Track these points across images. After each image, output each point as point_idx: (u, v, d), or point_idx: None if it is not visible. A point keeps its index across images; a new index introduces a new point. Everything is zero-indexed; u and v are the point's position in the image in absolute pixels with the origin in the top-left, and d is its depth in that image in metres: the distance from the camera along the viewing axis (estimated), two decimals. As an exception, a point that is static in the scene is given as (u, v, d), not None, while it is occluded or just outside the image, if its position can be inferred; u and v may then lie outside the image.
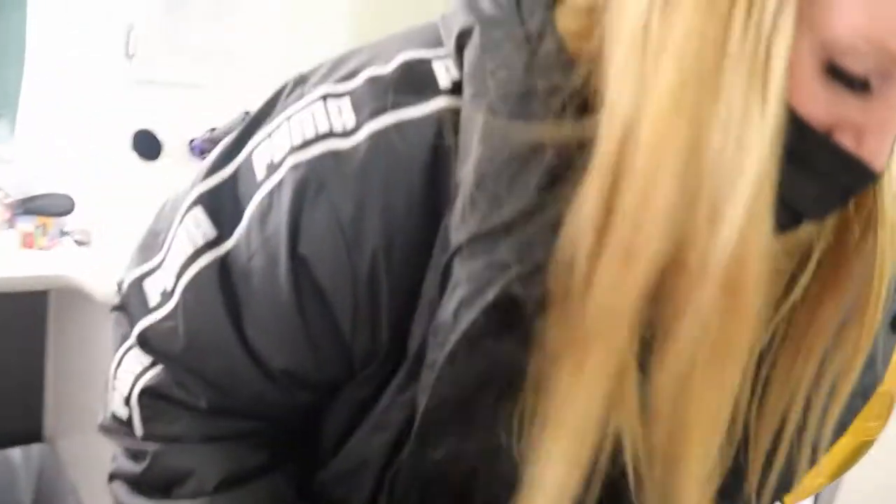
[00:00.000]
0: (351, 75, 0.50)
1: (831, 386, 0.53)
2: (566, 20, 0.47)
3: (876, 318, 0.51)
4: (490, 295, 0.45)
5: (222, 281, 0.51)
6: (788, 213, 0.45)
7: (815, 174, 0.44)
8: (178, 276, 0.53)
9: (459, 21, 0.49)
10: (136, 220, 1.92)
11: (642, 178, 0.41)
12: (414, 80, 0.48)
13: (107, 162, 1.77)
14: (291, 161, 0.49)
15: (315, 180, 0.48)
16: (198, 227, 0.52)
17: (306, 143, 0.48)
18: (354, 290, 0.49)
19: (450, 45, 0.49)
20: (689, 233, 0.41)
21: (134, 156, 1.75)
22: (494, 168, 0.44)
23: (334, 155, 0.48)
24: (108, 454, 0.60)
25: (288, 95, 0.53)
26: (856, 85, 0.42)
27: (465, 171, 0.45)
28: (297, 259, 0.49)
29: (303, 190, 0.48)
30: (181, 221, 0.53)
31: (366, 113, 0.48)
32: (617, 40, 0.43)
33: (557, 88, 0.45)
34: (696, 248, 0.41)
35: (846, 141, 0.44)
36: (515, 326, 0.46)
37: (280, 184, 0.49)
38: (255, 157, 0.51)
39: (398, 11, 2.54)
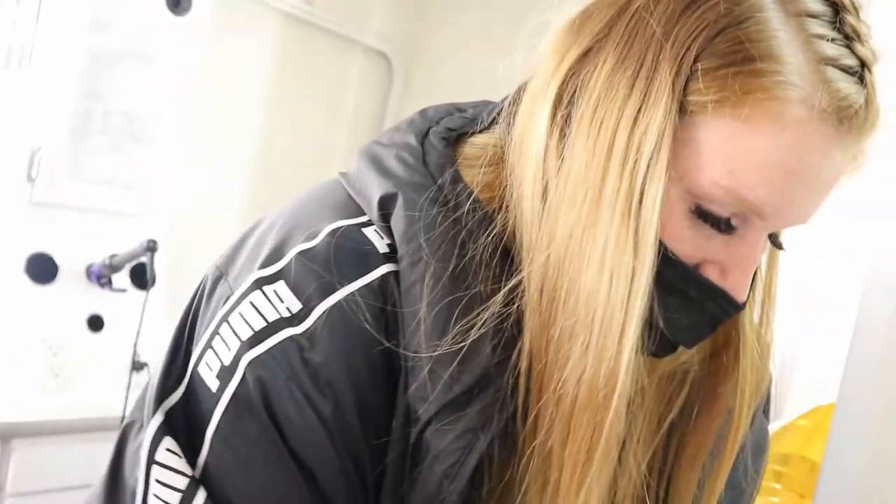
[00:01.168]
0: (276, 255, 0.50)
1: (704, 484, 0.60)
2: (472, 174, 0.53)
3: (740, 433, 0.58)
4: (473, 461, 0.47)
5: None
6: (665, 341, 0.51)
7: (686, 305, 0.50)
8: None
9: (376, 186, 0.52)
10: (28, 346, 1.85)
11: (562, 321, 0.48)
12: (353, 252, 0.50)
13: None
14: (247, 358, 0.47)
15: (281, 371, 0.47)
16: (170, 470, 0.48)
17: (259, 337, 0.48)
18: (346, 476, 0.49)
19: (373, 212, 0.51)
20: (572, 359, 0.47)
21: (27, 279, 1.71)
22: (449, 336, 0.48)
23: (293, 341, 0.47)
24: None
25: (209, 296, 0.52)
26: (720, 226, 0.49)
27: (418, 339, 0.48)
28: (293, 456, 0.47)
29: (270, 384, 0.47)
30: (147, 475, 0.48)
31: (311, 293, 0.48)
32: (524, 196, 0.50)
33: (483, 244, 0.50)
34: (575, 370, 0.47)
35: (712, 275, 0.50)
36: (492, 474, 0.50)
37: (242, 384, 0.47)
38: (201, 371, 0.49)
39: (297, 159, 2.63)
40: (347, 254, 0.50)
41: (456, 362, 0.47)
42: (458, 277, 0.49)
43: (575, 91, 0.50)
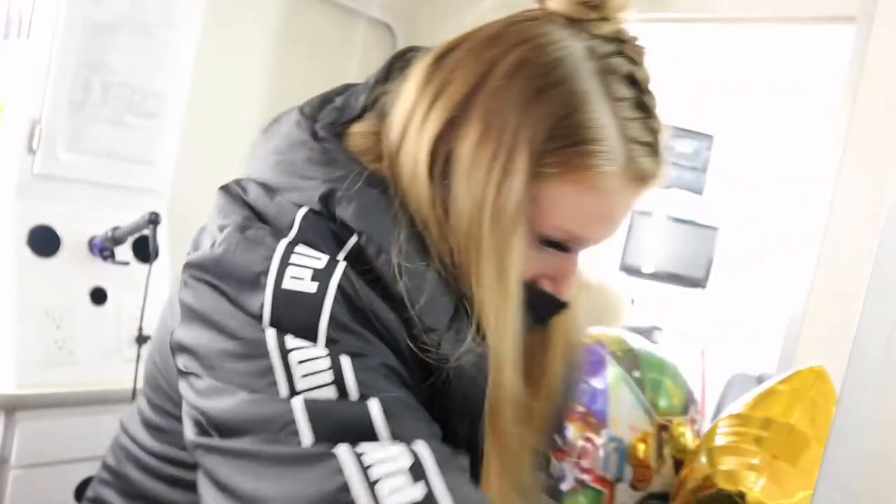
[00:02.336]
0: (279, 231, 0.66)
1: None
2: (368, 164, 0.70)
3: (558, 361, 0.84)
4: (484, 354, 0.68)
5: None
6: (533, 320, 0.74)
7: (537, 303, 0.73)
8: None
9: (309, 188, 0.68)
10: (32, 319, 1.84)
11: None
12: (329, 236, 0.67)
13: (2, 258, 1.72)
14: (334, 265, 0.63)
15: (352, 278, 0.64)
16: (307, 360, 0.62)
17: (329, 266, 0.64)
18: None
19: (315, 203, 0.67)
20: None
21: (29, 252, 1.70)
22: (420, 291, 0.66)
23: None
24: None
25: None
26: (560, 248, 0.72)
27: (400, 288, 0.65)
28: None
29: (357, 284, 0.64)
30: (287, 367, 0.61)
31: (330, 255, 0.65)
32: (425, 216, 0.69)
33: (406, 220, 0.68)
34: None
35: (546, 286, 0.74)
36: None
37: (343, 276, 0.63)
38: (288, 285, 0.62)
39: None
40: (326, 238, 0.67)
41: (439, 296, 0.67)
42: (409, 241, 0.67)
43: (447, 155, 0.68)
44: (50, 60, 1.72)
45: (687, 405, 1.35)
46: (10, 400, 1.61)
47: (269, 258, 0.63)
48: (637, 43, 0.71)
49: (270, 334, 0.60)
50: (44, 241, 1.73)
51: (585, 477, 1.30)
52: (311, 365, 0.59)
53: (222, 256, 0.65)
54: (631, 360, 1.46)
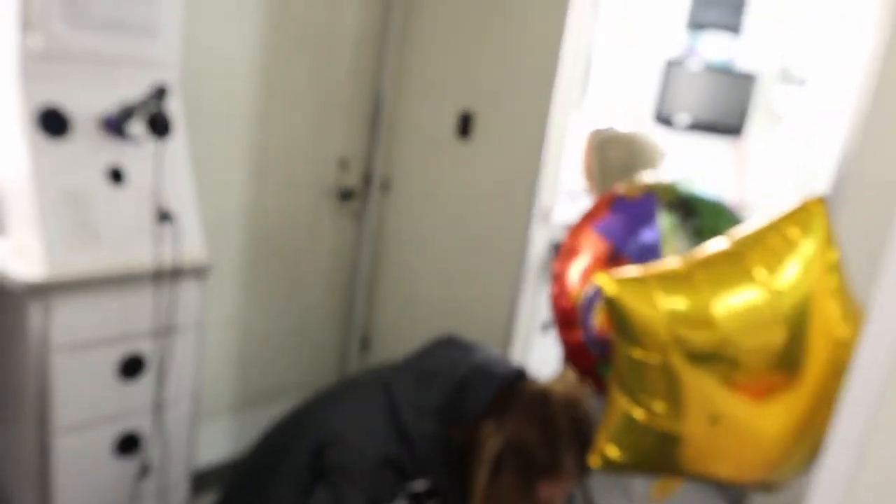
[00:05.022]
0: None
1: None
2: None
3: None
4: None
5: None
6: None
7: None
8: None
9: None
10: (51, 201, 1.81)
11: None
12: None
13: (10, 140, 1.67)
14: None
15: None
16: None
17: None
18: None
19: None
20: None
21: (40, 133, 1.65)
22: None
23: None
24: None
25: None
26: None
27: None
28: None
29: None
30: None
31: None
32: (475, 482, 1.59)
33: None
34: None
35: None
36: None
37: None
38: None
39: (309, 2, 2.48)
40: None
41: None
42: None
43: (496, 475, 1.55)
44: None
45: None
46: (42, 285, 1.61)
47: None
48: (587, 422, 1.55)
49: None
50: (53, 122, 1.68)
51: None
52: None
53: None
54: (685, 207, 1.39)
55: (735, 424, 1.17)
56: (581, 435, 1.53)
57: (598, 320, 1.43)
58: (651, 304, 1.13)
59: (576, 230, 1.56)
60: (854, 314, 1.16)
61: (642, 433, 1.21)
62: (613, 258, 1.44)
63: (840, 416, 0.70)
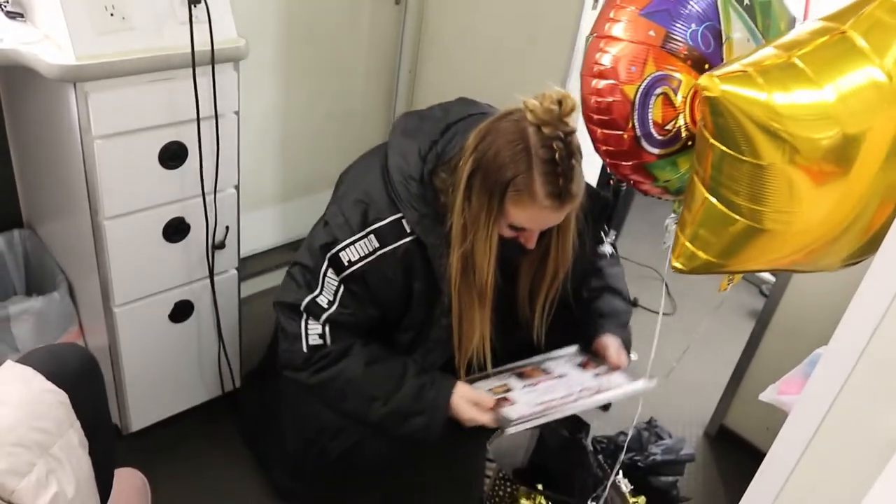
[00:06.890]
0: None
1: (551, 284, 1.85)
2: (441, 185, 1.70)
3: (564, 267, 1.83)
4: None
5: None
6: (514, 252, 1.75)
7: (513, 251, 1.74)
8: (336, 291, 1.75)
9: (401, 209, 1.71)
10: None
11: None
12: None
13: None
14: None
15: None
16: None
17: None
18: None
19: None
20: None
21: None
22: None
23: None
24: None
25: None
26: (518, 229, 1.65)
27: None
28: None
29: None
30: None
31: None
32: (453, 212, 1.65)
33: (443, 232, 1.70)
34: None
35: (520, 241, 1.70)
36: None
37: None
38: (341, 255, 1.73)
39: None
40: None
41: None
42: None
43: (468, 197, 1.61)
44: None
45: (791, 28, 1.20)
46: (73, 70, 1.57)
47: None
48: (569, 130, 1.53)
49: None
50: None
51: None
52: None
53: None
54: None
55: (807, 212, 1.11)
56: (555, 162, 1.50)
57: (656, 114, 1.34)
58: (761, 104, 1.03)
59: (614, 18, 1.42)
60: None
61: (728, 228, 1.17)
62: (666, 44, 1.33)
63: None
